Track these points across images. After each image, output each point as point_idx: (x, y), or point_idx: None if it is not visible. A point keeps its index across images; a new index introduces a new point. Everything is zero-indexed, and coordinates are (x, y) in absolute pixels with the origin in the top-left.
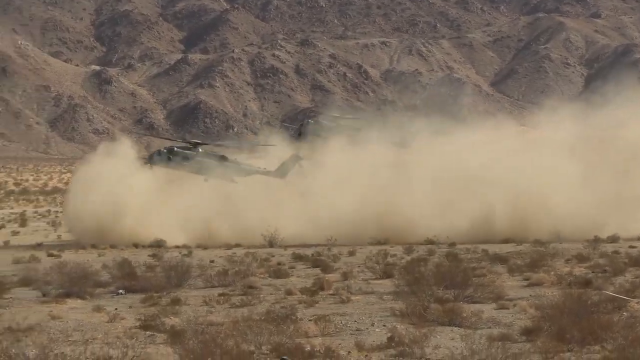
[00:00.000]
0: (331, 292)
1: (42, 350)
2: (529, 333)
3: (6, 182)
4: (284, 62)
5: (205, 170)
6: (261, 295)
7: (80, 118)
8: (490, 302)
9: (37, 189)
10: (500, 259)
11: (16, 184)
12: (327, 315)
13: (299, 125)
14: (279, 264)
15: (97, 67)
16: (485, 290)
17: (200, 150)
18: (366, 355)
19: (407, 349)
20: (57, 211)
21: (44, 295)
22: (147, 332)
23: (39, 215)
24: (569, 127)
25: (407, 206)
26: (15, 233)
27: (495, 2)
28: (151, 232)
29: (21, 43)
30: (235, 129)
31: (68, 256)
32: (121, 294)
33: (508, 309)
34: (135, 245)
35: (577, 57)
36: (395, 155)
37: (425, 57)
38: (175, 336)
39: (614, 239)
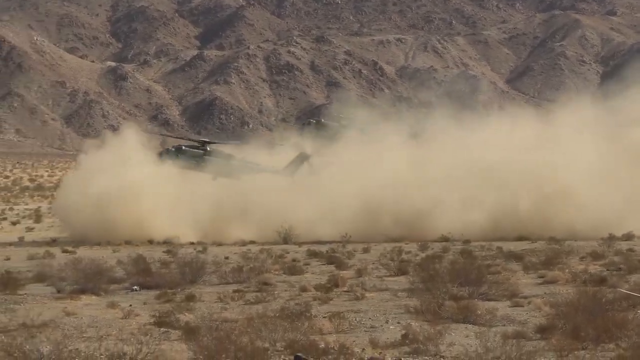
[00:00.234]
0: (346, 289)
1: (56, 346)
2: (543, 331)
3: (21, 178)
4: (300, 59)
5: (213, 169)
6: (276, 292)
7: (96, 114)
8: (504, 299)
9: (52, 185)
10: (515, 257)
11: (31, 180)
12: (342, 312)
13: (300, 125)
14: (293, 260)
15: (113, 63)
16: (500, 287)
17: (208, 148)
18: (380, 353)
19: (421, 346)
20: None
21: (58, 291)
22: (162, 329)
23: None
24: (589, 122)
25: (424, 201)
26: (30, 229)
27: None
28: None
29: (37, 39)
30: (251, 126)
31: (83, 252)
32: (135, 290)
33: (522, 306)
34: (150, 242)
35: (592, 55)
36: (413, 151)
37: (440, 54)
38: (189, 333)
39: (628, 237)
